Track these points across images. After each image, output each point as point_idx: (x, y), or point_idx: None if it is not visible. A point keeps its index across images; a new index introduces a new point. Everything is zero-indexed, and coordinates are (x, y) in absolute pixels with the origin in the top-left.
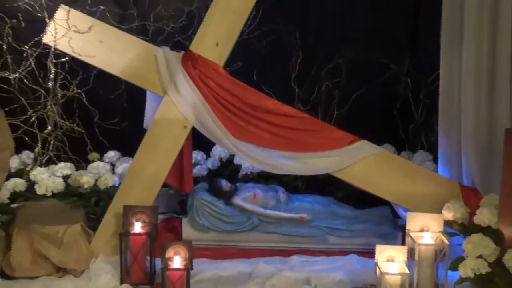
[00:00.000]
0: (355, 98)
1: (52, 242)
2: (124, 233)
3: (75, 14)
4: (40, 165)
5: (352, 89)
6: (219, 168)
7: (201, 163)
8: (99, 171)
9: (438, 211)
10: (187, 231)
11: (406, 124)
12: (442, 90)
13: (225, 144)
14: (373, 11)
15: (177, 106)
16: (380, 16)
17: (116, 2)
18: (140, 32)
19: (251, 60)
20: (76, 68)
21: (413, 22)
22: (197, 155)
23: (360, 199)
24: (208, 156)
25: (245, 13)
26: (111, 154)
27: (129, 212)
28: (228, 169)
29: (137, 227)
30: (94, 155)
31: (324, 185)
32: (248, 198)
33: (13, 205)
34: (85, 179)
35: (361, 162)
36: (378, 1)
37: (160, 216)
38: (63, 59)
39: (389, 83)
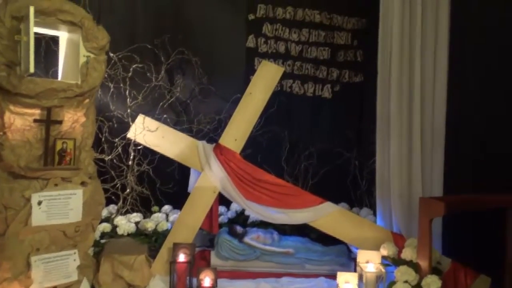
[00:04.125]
0: (323, 173)
1: (126, 267)
2: (173, 261)
3: (148, 120)
4: (121, 215)
5: (320, 168)
6: (235, 217)
7: (224, 214)
8: (158, 219)
9: (377, 249)
10: (214, 259)
11: (355, 190)
12: (378, 169)
13: (239, 203)
14: (333, 119)
15: (210, 178)
16: (338, 121)
17: (173, 112)
18: (188, 131)
19: (257, 148)
20: (147, 152)
21: (358, 126)
22: (221, 209)
23: (326, 239)
24: (228, 209)
25: (253, 121)
26: (166, 207)
27: (176, 247)
28: (241, 218)
29: (181, 257)
30: (155, 208)
31: (303, 229)
32: (254, 238)
33: (102, 241)
34: (149, 224)
35: (327, 216)
36: (335, 112)
37: (197, 249)
38: (139, 147)
39: (344, 164)
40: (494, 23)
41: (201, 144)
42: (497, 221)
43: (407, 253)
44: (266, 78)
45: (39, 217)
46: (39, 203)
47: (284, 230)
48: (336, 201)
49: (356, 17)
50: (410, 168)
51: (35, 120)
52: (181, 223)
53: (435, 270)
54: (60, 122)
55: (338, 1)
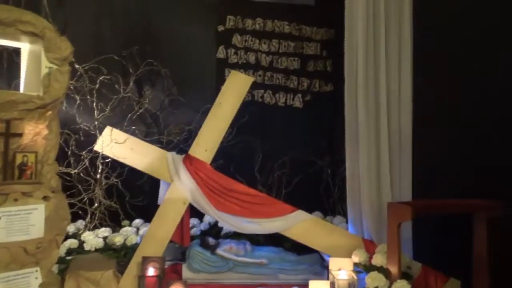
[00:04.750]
0: (296, 182)
1: (93, 283)
2: (141, 276)
3: (116, 131)
4: (89, 230)
5: (294, 176)
6: (208, 229)
7: (196, 226)
8: (128, 233)
9: (350, 256)
10: (185, 273)
11: (328, 198)
12: (348, 176)
13: (210, 214)
14: (305, 128)
15: (179, 189)
16: (310, 130)
17: (143, 123)
18: (158, 142)
19: (229, 159)
20: (115, 165)
21: (330, 134)
22: (194, 221)
23: (301, 249)
24: (201, 221)
25: (223, 131)
26: (137, 221)
27: (145, 261)
28: (214, 230)
29: (151, 271)
30: (125, 222)
31: (277, 239)
32: (226, 249)
33: (68, 258)
34: (117, 239)
35: (298, 224)
36: (307, 121)
37: (168, 262)
38: (107, 160)
39: (317, 172)
40: (457, 29)
41: (170, 155)
42: (466, 225)
43: (378, 259)
44: (235, 88)
45: None
46: None
47: (258, 240)
48: (310, 209)
49: (324, 27)
50: (378, 174)
51: None
52: (150, 236)
53: (405, 275)
54: (20, 135)
55: (306, 12)
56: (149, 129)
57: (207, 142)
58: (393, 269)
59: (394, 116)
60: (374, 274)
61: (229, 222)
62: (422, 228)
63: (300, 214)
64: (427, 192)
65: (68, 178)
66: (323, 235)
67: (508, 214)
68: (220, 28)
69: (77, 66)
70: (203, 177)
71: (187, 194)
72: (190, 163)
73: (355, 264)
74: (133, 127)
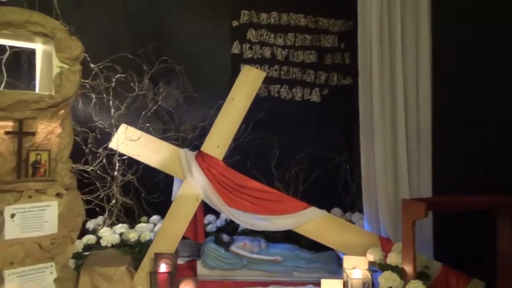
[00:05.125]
0: (313, 178)
1: (106, 279)
2: (153, 272)
3: (130, 129)
4: (108, 226)
5: (311, 173)
6: (224, 226)
7: (213, 223)
8: (142, 229)
9: (364, 254)
10: (200, 269)
11: (346, 195)
12: (363, 172)
13: (222, 210)
14: (323, 123)
15: (192, 186)
16: (328, 125)
17: (158, 121)
18: (174, 139)
19: (246, 155)
20: (132, 162)
21: (348, 129)
22: (210, 217)
23: (314, 246)
24: (217, 218)
25: (235, 127)
26: (154, 218)
27: (157, 257)
28: (230, 226)
29: (163, 268)
30: (143, 218)
31: (293, 237)
32: (240, 246)
33: (85, 253)
34: (132, 235)
35: (312, 221)
36: (325, 116)
37: (186, 258)
38: (124, 157)
39: (335, 168)
40: (479, 20)
41: (183, 151)
42: (489, 224)
43: (392, 258)
44: (247, 83)
45: (12, 230)
46: (12, 216)
47: (275, 237)
48: (328, 206)
49: (342, 19)
50: (396, 170)
51: (7, 132)
52: (163, 232)
53: (421, 274)
54: (33, 134)
55: (323, 4)
56: (164, 126)
57: (219, 138)
58: (408, 269)
59: (411, 111)
60: (387, 273)
61: (241, 219)
62: (444, 226)
63: (313, 211)
64: (449, 189)
65: (86, 176)
66: (337, 232)
67: None
68: (235, 23)
69: (92, 65)
70: (215, 174)
71: (199, 191)
72: (203, 159)
73: (370, 263)
74: (148, 125)
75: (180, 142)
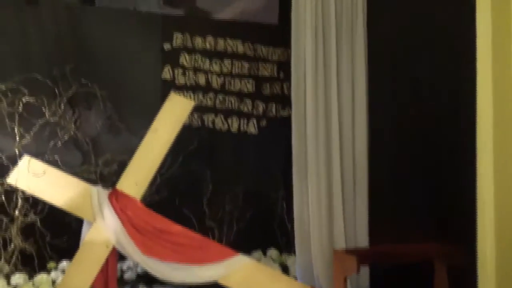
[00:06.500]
0: (249, 216)
1: None
2: None
3: (34, 161)
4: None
5: (246, 210)
6: (146, 273)
7: (132, 269)
8: (42, 281)
9: None
10: None
11: (282, 235)
12: (296, 216)
13: (135, 258)
14: (259, 156)
15: (102, 230)
16: (265, 159)
17: (71, 152)
18: (88, 174)
19: (174, 191)
20: (37, 200)
21: (286, 164)
22: (129, 263)
23: None
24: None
25: (157, 162)
26: (64, 264)
27: None
28: None
29: None
30: (51, 264)
31: None
32: None
33: None
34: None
35: (239, 272)
36: (262, 149)
37: None
38: (28, 194)
39: (271, 206)
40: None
41: (96, 189)
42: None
43: None
44: (174, 113)
45: None
46: None
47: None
48: (264, 246)
49: (281, 47)
50: (331, 212)
51: None
52: (65, 285)
53: None
54: None
55: (261, 31)
56: (78, 159)
57: (138, 174)
58: None
59: (347, 145)
60: None
61: (157, 270)
62: (382, 278)
63: (241, 259)
64: (387, 233)
65: None
66: (267, 284)
67: (470, 262)
68: (167, 46)
69: None
70: (131, 216)
71: (111, 236)
72: (116, 199)
73: None
74: (57, 157)
75: (97, 177)
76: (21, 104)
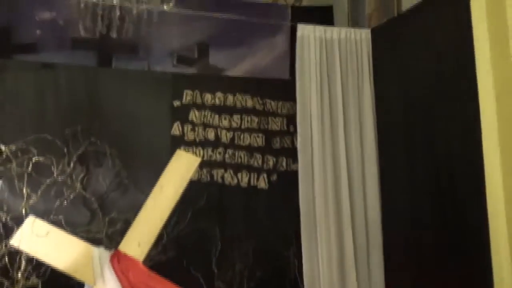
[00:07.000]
0: (260, 276)
1: None
2: None
3: (38, 222)
4: None
5: (257, 269)
6: None
7: None
8: None
9: None
10: None
11: None
12: (306, 278)
13: None
14: (270, 213)
15: None
16: (275, 215)
17: (78, 212)
18: (94, 234)
19: (182, 250)
20: (40, 262)
21: (298, 220)
22: None
23: None
24: None
25: (162, 221)
26: None
27: None
28: None
29: None
30: None
31: None
32: None
33: None
34: None
35: None
36: (272, 205)
37: None
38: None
39: (283, 264)
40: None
41: (98, 251)
42: None
43: None
44: (180, 170)
45: None
46: None
47: None
48: None
49: (290, 101)
50: (343, 273)
51: None
52: None
53: None
54: None
55: (270, 86)
56: (85, 218)
57: (141, 235)
58: None
59: (358, 199)
60: None
61: None
62: None
63: None
64: None
65: None
66: None
67: None
68: (176, 103)
69: (2, 147)
70: (132, 280)
71: None
72: (118, 261)
73: None
74: (61, 217)
75: (103, 236)
76: (30, 164)
